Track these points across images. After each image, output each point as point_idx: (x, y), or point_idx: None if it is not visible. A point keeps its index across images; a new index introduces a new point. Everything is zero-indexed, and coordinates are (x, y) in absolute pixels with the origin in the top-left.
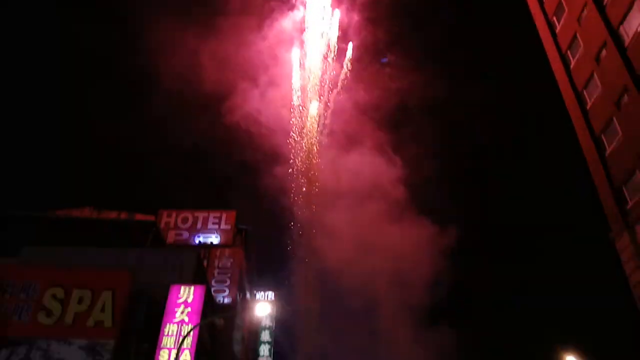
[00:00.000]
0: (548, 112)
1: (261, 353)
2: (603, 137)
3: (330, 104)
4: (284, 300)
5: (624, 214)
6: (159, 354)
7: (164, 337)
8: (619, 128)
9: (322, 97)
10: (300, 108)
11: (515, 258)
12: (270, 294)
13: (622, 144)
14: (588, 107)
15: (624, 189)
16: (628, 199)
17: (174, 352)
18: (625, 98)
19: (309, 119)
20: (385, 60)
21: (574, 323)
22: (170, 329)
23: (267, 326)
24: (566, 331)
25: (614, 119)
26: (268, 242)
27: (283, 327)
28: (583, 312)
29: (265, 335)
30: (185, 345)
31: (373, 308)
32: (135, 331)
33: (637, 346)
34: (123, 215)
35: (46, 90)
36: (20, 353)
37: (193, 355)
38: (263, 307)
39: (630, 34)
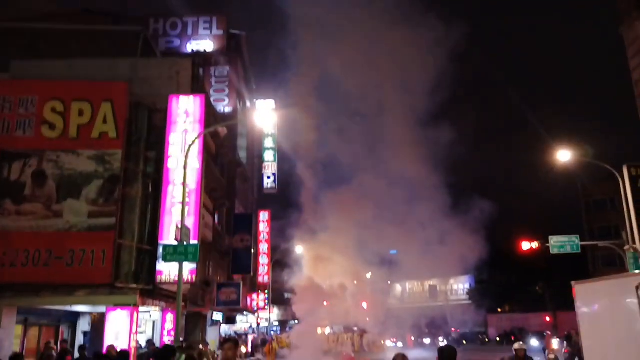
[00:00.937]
0: None
1: (266, 159)
2: None
3: None
4: (286, 107)
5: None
6: (167, 162)
7: (170, 147)
8: None
9: None
10: None
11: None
12: (271, 102)
13: None
14: None
15: None
16: None
17: (181, 159)
18: None
19: None
20: None
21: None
22: (174, 138)
23: (270, 133)
24: (567, 126)
25: None
26: (266, 48)
27: (286, 134)
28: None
29: (269, 142)
30: (191, 153)
31: (378, 113)
32: (140, 141)
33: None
34: (109, 26)
35: None
36: (33, 164)
37: (201, 162)
38: (265, 114)
39: None
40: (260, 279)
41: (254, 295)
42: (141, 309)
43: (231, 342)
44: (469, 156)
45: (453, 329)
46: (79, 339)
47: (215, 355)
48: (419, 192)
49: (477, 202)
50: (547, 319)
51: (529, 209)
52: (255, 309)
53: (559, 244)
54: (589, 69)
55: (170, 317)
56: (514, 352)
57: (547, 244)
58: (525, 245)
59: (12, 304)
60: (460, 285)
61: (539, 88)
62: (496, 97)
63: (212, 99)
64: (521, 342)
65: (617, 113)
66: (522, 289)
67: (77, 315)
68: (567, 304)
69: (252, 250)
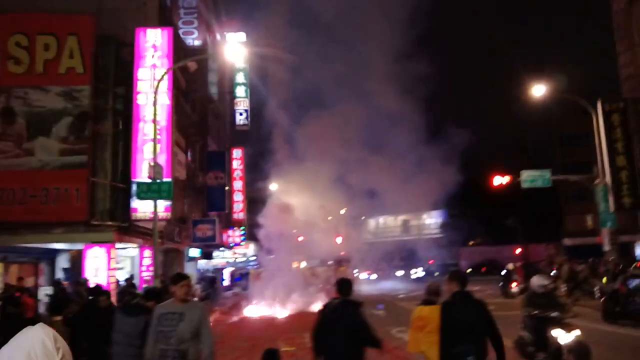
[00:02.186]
0: None
1: (238, 94)
2: None
3: None
4: (258, 39)
5: None
6: (136, 98)
7: (138, 82)
8: None
9: None
10: None
11: None
12: (242, 35)
13: None
14: None
15: None
16: None
17: (150, 95)
18: None
19: None
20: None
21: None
22: (143, 73)
23: (241, 68)
24: (544, 60)
25: None
26: None
27: (256, 69)
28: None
29: (240, 77)
30: (161, 89)
31: (353, 44)
32: (109, 76)
33: None
34: None
35: None
36: (1, 102)
37: (171, 98)
38: (235, 47)
39: None
40: (235, 216)
41: (230, 232)
42: (118, 245)
43: (186, 279)
44: (443, 90)
45: (430, 261)
46: (59, 275)
47: (194, 289)
48: (392, 126)
49: (451, 135)
50: (518, 250)
51: (503, 145)
52: (232, 244)
53: (530, 178)
54: (569, 3)
55: (147, 253)
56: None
57: (519, 179)
58: (497, 180)
59: None
60: (433, 220)
61: (517, 23)
62: (475, 31)
63: (180, 32)
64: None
65: (594, 48)
66: (494, 223)
67: (55, 252)
68: (537, 236)
69: (227, 188)
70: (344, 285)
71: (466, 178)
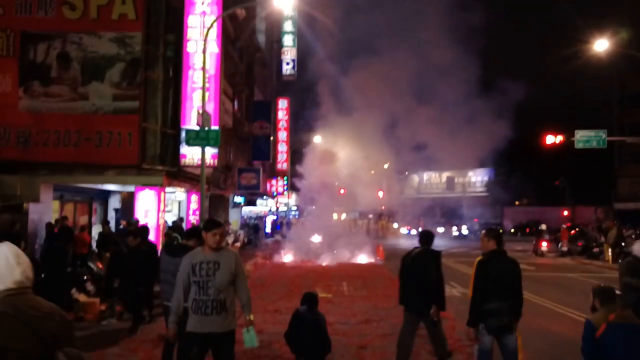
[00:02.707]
0: None
1: (285, 43)
2: None
3: None
4: None
5: None
6: (186, 46)
7: (188, 29)
8: None
9: None
10: None
11: None
12: None
13: None
14: None
15: None
16: None
17: (200, 42)
18: None
19: None
20: None
21: None
22: (193, 20)
23: (290, 16)
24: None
25: None
26: None
27: (305, 17)
28: None
29: (288, 25)
30: (210, 37)
31: None
32: (159, 23)
33: None
34: None
35: None
36: (57, 47)
37: (220, 46)
38: None
39: None
40: (279, 166)
41: (273, 181)
42: (167, 189)
43: (219, 227)
44: (498, 44)
45: (476, 219)
46: (111, 215)
47: (238, 234)
48: (442, 78)
49: (503, 91)
50: (565, 213)
51: (558, 103)
52: (275, 194)
53: (584, 138)
54: None
55: (194, 198)
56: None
57: (572, 139)
58: (550, 139)
59: (48, 180)
60: (479, 178)
61: None
62: None
63: None
64: None
65: None
66: (542, 183)
67: (108, 193)
68: (587, 199)
69: (271, 138)
70: (426, 236)
71: (516, 136)
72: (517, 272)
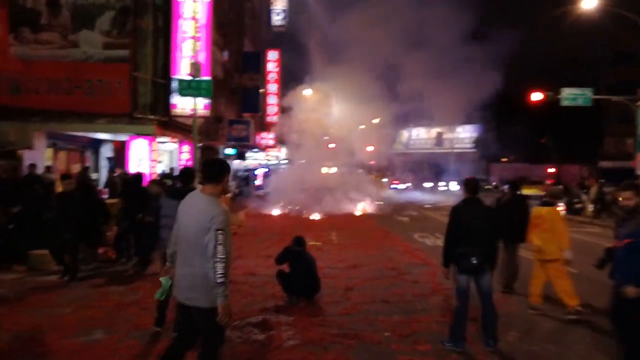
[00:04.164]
0: None
1: None
2: None
3: None
4: None
5: None
6: None
7: None
8: None
9: None
10: None
11: None
12: None
13: None
14: None
15: None
16: None
17: None
18: None
19: None
20: None
21: None
22: None
23: None
24: None
25: None
26: None
27: None
28: None
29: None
30: None
31: None
32: None
33: None
34: None
35: None
36: None
37: None
38: None
39: None
40: (269, 119)
41: (264, 134)
42: (158, 139)
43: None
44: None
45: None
46: (103, 164)
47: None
48: (430, 27)
49: (492, 44)
50: (551, 170)
51: (546, 60)
52: (265, 146)
53: (570, 96)
54: None
55: (185, 148)
56: None
57: (558, 96)
58: (536, 96)
59: (41, 128)
60: (467, 134)
61: None
62: None
63: None
64: None
65: None
66: (529, 140)
67: (100, 142)
68: (573, 157)
69: (261, 90)
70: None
71: (504, 92)
72: (490, 219)
